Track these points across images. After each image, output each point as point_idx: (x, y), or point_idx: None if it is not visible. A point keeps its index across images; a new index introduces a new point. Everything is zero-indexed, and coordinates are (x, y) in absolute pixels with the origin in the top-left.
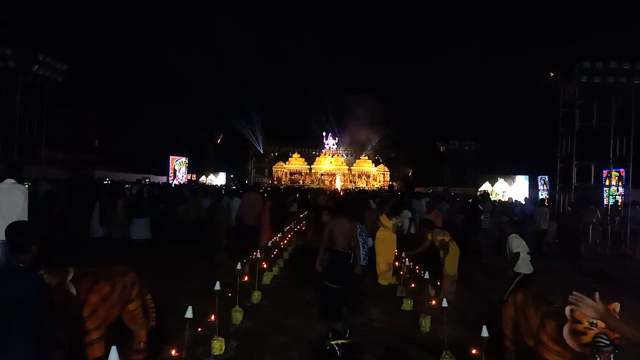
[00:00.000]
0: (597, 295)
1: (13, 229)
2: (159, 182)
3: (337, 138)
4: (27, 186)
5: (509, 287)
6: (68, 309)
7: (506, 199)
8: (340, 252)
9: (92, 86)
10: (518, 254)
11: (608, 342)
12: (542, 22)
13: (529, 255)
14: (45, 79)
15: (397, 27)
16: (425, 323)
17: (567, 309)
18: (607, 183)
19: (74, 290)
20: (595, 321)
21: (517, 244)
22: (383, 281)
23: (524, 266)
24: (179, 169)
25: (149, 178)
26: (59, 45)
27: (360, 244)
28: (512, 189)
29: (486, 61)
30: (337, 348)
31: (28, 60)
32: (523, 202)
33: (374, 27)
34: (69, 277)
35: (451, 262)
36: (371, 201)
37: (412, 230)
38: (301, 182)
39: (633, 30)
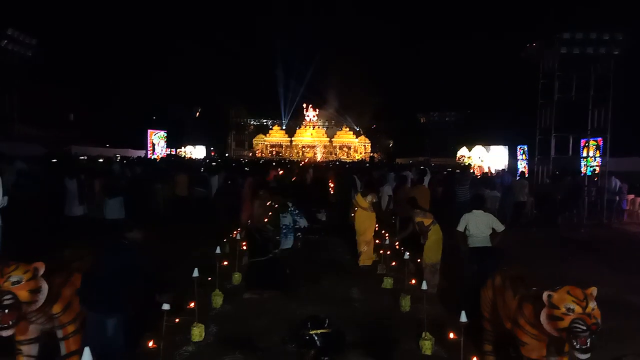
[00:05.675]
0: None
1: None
2: (138, 157)
3: (317, 110)
4: None
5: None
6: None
7: (493, 170)
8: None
9: (66, 60)
10: (460, 232)
11: (585, 328)
12: None
13: (479, 232)
14: (15, 54)
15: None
16: (405, 303)
17: (545, 295)
18: (584, 153)
19: (45, 286)
20: (572, 307)
21: (466, 220)
22: (366, 262)
23: (471, 241)
24: (158, 143)
25: (119, 155)
26: (29, 20)
27: (286, 227)
28: (490, 156)
29: (467, 32)
30: (316, 338)
31: None
32: (502, 173)
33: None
34: (40, 273)
35: (431, 249)
36: (355, 177)
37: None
38: (282, 154)
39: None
